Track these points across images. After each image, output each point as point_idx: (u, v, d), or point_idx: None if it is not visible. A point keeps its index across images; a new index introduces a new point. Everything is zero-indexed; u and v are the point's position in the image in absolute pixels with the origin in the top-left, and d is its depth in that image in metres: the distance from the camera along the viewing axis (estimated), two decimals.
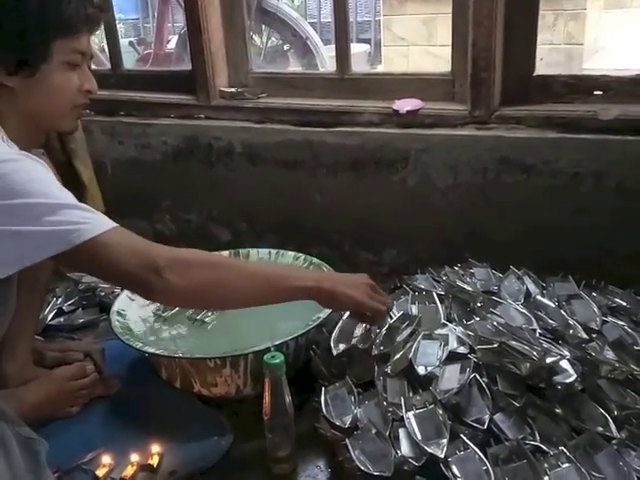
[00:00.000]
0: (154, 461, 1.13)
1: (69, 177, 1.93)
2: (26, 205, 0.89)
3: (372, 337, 1.21)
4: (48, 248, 0.89)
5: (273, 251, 1.63)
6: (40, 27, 1.00)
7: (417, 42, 4.49)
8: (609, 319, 1.21)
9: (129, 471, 1.11)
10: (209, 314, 1.51)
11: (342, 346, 1.23)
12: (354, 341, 1.23)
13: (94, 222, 0.92)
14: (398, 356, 1.15)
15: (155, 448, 1.15)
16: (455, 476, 0.95)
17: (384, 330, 1.23)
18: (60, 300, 1.71)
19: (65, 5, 1.01)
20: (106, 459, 1.14)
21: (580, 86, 1.49)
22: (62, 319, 1.66)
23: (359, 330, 1.25)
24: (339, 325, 1.27)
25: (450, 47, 1.60)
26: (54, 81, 1.05)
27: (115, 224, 0.95)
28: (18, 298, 1.09)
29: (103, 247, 0.91)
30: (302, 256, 1.58)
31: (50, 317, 1.64)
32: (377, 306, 1.13)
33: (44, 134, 1.16)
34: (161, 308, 1.49)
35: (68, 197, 0.94)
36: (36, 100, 1.05)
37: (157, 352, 1.26)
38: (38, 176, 0.93)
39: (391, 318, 1.22)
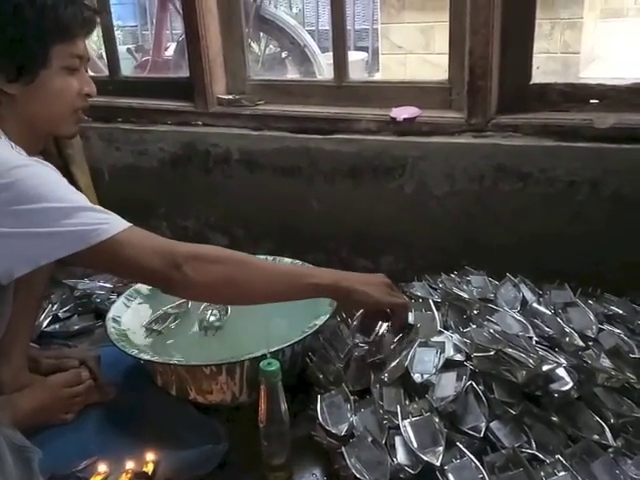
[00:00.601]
0: (149, 469, 1.12)
1: None
2: (42, 210, 0.90)
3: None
4: (65, 248, 0.91)
5: (270, 258, 1.63)
6: (38, 33, 1.00)
7: (414, 50, 4.50)
8: (605, 327, 1.21)
9: (124, 479, 1.11)
10: (222, 320, 1.50)
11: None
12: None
13: (111, 222, 0.95)
14: (394, 364, 1.15)
15: (150, 456, 1.14)
16: None
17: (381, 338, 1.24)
18: (56, 307, 1.70)
19: (62, 10, 1.02)
20: (101, 467, 1.13)
21: (576, 94, 1.50)
22: (58, 326, 1.65)
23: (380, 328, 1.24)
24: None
25: (447, 55, 1.60)
26: (54, 86, 1.05)
27: (130, 224, 0.97)
28: (14, 303, 1.09)
29: (122, 245, 0.95)
30: (299, 263, 1.58)
31: (46, 324, 1.63)
32: (397, 300, 1.15)
33: (44, 140, 1.17)
34: (153, 322, 1.47)
35: (82, 200, 0.96)
36: (37, 106, 1.05)
37: (152, 359, 1.26)
38: (50, 180, 0.95)
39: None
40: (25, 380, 1.27)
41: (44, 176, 0.94)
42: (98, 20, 1.11)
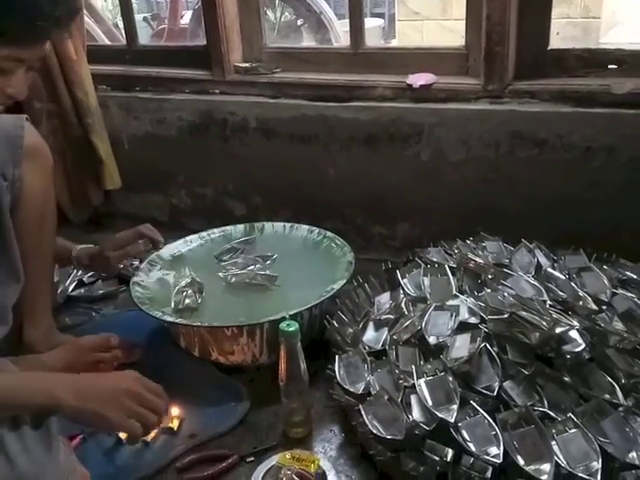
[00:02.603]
0: (174, 424, 1.18)
1: (86, 152, 1.97)
2: None
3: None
4: None
5: (287, 225, 1.65)
6: None
7: (431, 16, 4.43)
8: (619, 291, 1.22)
9: (151, 433, 1.15)
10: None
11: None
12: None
13: None
14: (407, 324, 1.18)
15: (175, 411, 1.20)
16: (465, 440, 0.97)
17: (397, 302, 1.27)
18: (80, 272, 1.76)
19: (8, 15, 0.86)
20: None
21: (594, 60, 1.49)
22: (83, 290, 1.71)
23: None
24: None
25: (464, 21, 1.59)
26: None
27: None
28: (26, 269, 1.13)
29: None
30: (316, 230, 1.61)
31: (71, 288, 1.70)
32: (132, 429, 0.93)
33: None
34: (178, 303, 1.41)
35: None
36: None
37: (176, 321, 1.30)
38: None
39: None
40: (55, 340, 1.32)
41: None
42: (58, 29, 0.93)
